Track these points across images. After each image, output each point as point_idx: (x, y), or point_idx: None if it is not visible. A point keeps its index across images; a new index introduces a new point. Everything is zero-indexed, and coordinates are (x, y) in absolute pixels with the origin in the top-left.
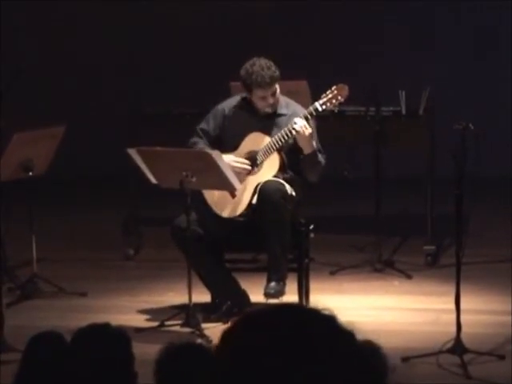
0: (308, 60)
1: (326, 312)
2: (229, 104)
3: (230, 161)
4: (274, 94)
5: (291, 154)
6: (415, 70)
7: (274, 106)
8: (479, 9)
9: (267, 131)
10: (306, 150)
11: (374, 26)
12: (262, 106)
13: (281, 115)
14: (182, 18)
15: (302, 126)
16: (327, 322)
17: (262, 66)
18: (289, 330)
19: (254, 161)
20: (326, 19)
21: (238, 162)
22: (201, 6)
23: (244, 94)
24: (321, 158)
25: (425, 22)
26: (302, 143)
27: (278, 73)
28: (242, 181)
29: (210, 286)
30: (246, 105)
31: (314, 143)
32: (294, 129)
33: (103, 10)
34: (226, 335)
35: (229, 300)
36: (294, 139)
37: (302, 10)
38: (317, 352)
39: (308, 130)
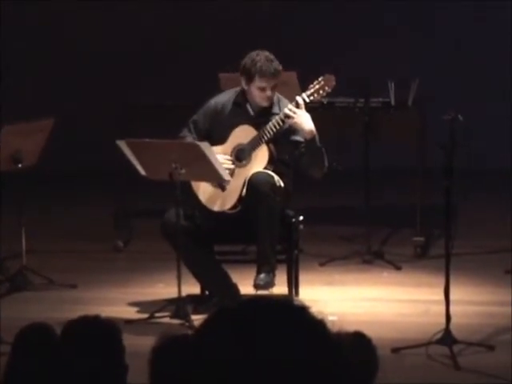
0: (297, 50)
1: (297, 303)
2: (221, 99)
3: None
4: (273, 88)
5: (281, 146)
6: (404, 60)
7: (270, 99)
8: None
9: (258, 128)
10: (305, 135)
11: (366, 18)
12: (260, 98)
13: (273, 114)
14: (176, 14)
15: (290, 108)
16: (297, 315)
17: (267, 57)
18: (259, 322)
19: (242, 154)
20: (319, 12)
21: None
22: (195, 4)
23: (237, 89)
24: (320, 144)
25: (416, 12)
26: (299, 127)
27: (280, 67)
28: (231, 174)
29: (200, 279)
30: (240, 101)
31: (314, 130)
32: (286, 111)
33: (99, 7)
34: (199, 329)
35: (219, 292)
36: (288, 128)
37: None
38: (289, 343)
39: (297, 114)
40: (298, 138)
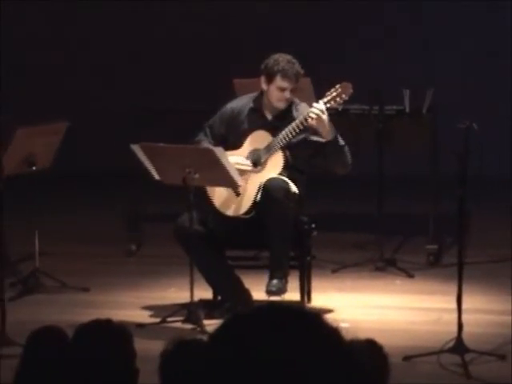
0: (312, 59)
1: (312, 311)
2: (237, 104)
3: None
4: (292, 91)
5: (295, 152)
6: (420, 68)
7: (288, 102)
8: (483, 8)
9: (275, 133)
10: (328, 136)
11: (380, 24)
12: (278, 98)
13: (291, 118)
14: (186, 16)
15: (320, 109)
16: (312, 322)
17: (290, 60)
18: (274, 329)
19: (257, 159)
20: (330, 17)
21: (238, 163)
22: (203, 6)
23: (254, 94)
24: (342, 141)
25: (431, 21)
26: (321, 129)
27: (302, 72)
28: (245, 179)
29: (212, 284)
30: (256, 106)
31: (334, 130)
32: (311, 112)
33: (109, 8)
34: (214, 334)
35: (231, 298)
36: (304, 131)
37: (303, 9)
38: (301, 351)
39: (325, 115)
40: (318, 138)
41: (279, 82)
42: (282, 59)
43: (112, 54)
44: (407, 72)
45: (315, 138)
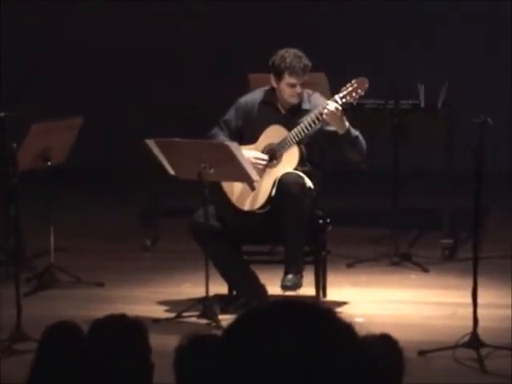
0: (325, 55)
1: (325, 307)
2: (252, 98)
3: (247, 156)
4: (302, 84)
5: (310, 146)
6: (434, 63)
7: (300, 96)
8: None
9: (289, 127)
10: (341, 130)
11: (393, 20)
12: (289, 94)
13: (304, 110)
14: (186, 16)
15: (335, 106)
16: (325, 317)
17: (296, 54)
18: (288, 324)
19: (273, 154)
20: (343, 13)
21: (255, 157)
22: (203, 6)
23: (267, 88)
24: (355, 132)
25: (445, 16)
26: (335, 124)
27: (310, 64)
28: (260, 174)
29: (228, 279)
30: (270, 100)
31: (346, 123)
32: (326, 108)
33: (109, 8)
34: (229, 329)
35: (247, 293)
36: (320, 126)
37: (303, 9)
38: (315, 347)
39: (339, 112)
40: (333, 128)
41: (288, 78)
42: (288, 55)
43: (112, 54)
44: (421, 67)
45: (330, 129)
